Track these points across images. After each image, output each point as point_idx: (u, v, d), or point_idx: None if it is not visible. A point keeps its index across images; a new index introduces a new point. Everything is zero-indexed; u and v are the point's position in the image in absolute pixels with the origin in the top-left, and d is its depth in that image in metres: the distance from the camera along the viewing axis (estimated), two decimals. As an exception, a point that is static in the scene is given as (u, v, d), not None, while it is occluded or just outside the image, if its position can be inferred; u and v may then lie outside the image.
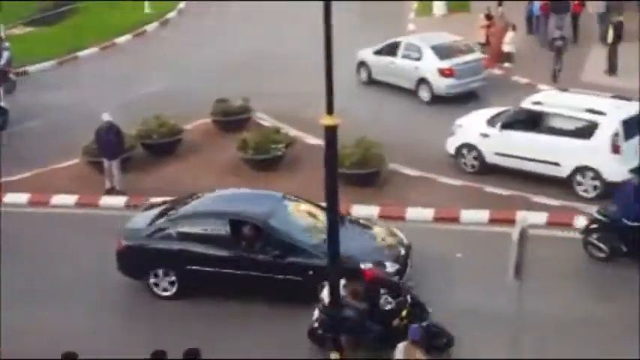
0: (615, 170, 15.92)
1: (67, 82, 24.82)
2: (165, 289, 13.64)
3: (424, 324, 10.94)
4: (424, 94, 22.03)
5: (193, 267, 13.33)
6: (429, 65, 21.86)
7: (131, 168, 18.26)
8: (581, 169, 16.28)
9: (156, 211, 14.45)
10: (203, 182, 17.58)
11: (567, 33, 24.64)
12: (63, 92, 23.72)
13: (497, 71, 23.82)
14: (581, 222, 14.79)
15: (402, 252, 13.33)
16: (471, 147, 17.57)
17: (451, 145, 17.94)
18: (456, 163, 17.89)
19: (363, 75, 23.69)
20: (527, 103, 17.36)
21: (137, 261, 13.72)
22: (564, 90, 18.48)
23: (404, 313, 11.21)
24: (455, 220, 15.60)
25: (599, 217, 13.83)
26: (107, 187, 17.43)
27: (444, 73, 21.66)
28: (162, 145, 19.07)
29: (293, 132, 19.49)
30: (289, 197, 14.36)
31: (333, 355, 10.61)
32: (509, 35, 24.39)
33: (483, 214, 15.67)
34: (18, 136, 20.79)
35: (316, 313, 11.52)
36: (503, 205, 15.85)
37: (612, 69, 22.86)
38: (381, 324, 11.23)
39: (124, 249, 13.77)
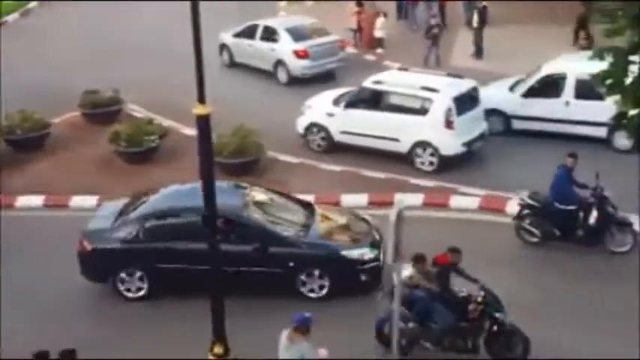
0: (450, 144, 16.91)
1: None
2: (131, 290, 13.01)
3: (497, 316, 10.70)
4: (282, 76, 22.40)
5: (165, 265, 12.78)
6: (285, 47, 22.25)
7: (-3, 166, 17.45)
8: (419, 144, 17.05)
9: (113, 210, 13.70)
10: (76, 178, 17.10)
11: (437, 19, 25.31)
12: None
13: (369, 57, 24.13)
14: (457, 202, 15.26)
15: (377, 236, 13.30)
16: (318, 126, 18.10)
17: (300, 125, 18.33)
18: (306, 142, 18.26)
19: (225, 57, 23.84)
20: (368, 83, 17.92)
21: (103, 264, 13.02)
22: (404, 69, 19.32)
23: (479, 299, 10.78)
24: (336, 204, 15.65)
25: (531, 202, 13.96)
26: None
27: (298, 54, 22.08)
28: (29, 141, 18.25)
29: (167, 122, 19.11)
30: (243, 186, 13.99)
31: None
32: (380, 21, 24.74)
33: (362, 198, 15.86)
34: None
35: (381, 313, 11.12)
36: (381, 188, 16.09)
37: (478, 52, 23.65)
38: (453, 310, 10.89)
39: (88, 252, 13.06)
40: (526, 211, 14.01)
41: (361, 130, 17.54)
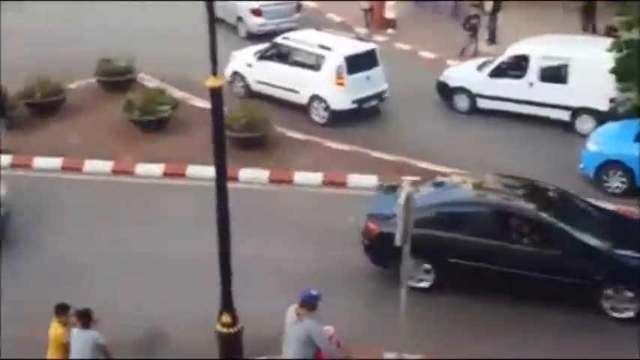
0: (340, 100, 18.43)
1: None
2: (413, 279, 12.23)
3: None
4: (241, 31, 24.75)
5: (456, 259, 12.21)
6: (244, 5, 24.48)
7: (14, 128, 17.92)
8: (314, 98, 18.62)
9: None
10: (89, 142, 17.59)
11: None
12: None
13: (380, 37, 24.48)
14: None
15: None
16: (240, 75, 20.02)
17: (227, 73, 19.63)
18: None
19: None
20: (279, 38, 19.98)
21: (389, 249, 11.34)
22: (319, 29, 20.65)
23: None
24: (343, 184, 16.02)
25: None
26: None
27: (254, 12, 24.41)
28: (46, 105, 18.77)
29: (178, 94, 19.56)
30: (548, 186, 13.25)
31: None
32: (391, 2, 25.06)
33: (371, 179, 15.97)
34: None
35: None
36: (389, 170, 16.33)
37: (492, 38, 23.86)
38: None
39: (376, 235, 12.62)
40: None
41: (271, 81, 19.37)
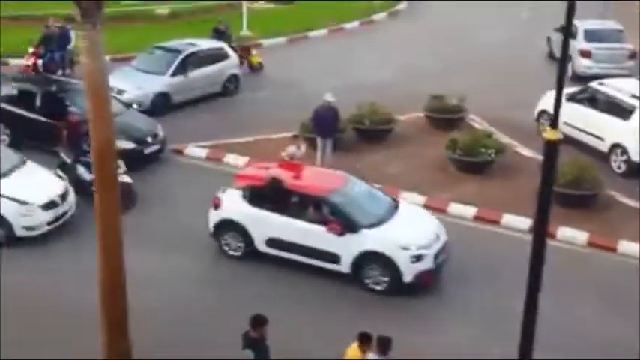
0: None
1: (295, 60, 25.84)
2: None
3: None
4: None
5: None
6: (573, 44, 23.23)
7: (340, 149, 18.74)
8: (616, 146, 18.06)
9: None
10: (406, 174, 17.82)
11: None
12: (291, 68, 24.72)
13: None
14: None
15: None
16: (547, 114, 18.93)
17: (536, 110, 19.75)
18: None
19: (549, 49, 25.50)
20: (594, 83, 19.54)
21: None
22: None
23: None
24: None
25: None
26: (317, 164, 17.99)
27: (583, 53, 23.85)
28: (373, 132, 19.42)
29: (505, 139, 19.14)
30: None
31: None
32: None
33: None
34: (247, 103, 22.13)
35: None
36: None
37: None
38: None
39: None
40: None
41: (577, 124, 18.81)
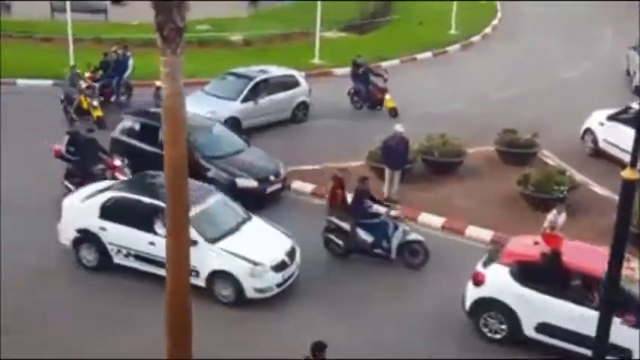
0: None
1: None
2: None
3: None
4: (632, 84, 24.81)
5: None
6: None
7: (408, 180, 18.59)
8: None
9: None
10: (475, 208, 17.60)
11: None
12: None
13: None
14: None
15: None
16: (590, 131, 20.74)
17: (582, 128, 20.83)
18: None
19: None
20: (635, 103, 19.91)
21: None
22: None
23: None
24: None
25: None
26: (384, 196, 17.89)
27: None
28: (443, 164, 19.24)
29: (578, 176, 18.74)
30: None
31: None
32: None
33: None
34: (315, 131, 22.27)
35: None
36: None
37: None
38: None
39: None
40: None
41: (616, 143, 19.35)
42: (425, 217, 17.31)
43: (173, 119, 9.88)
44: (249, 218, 14.99)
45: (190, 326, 10.45)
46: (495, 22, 35.70)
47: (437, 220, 17.19)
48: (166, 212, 10.33)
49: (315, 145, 20.91)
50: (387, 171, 17.91)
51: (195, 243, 13.05)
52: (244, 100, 21.77)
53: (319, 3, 28.01)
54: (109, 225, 14.53)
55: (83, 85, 21.90)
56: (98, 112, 21.39)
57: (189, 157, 10.01)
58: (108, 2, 34.27)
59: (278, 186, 17.96)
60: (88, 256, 14.72)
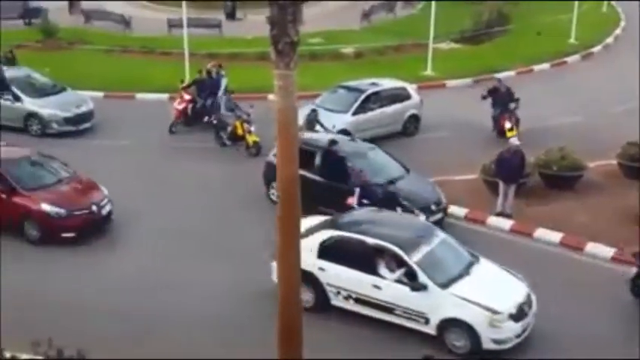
0: None
1: (478, 101, 25.36)
2: None
3: None
4: None
5: None
6: None
7: (524, 195, 18.02)
8: None
9: None
10: (595, 224, 16.87)
11: None
12: (474, 110, 24.21)
13: None
14: None
15: None
16: None
17: None
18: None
19: None
20: None
21: None
22: None
23: None
24: None
25: None
26: (497, 210, 17.39)
27: None
28: (561, 179, 18.55)
29: None
30: None
31: None
32: None
33: None
34: (427, 143, 21.98)
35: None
36: None
37: None
38: None
39: None
40: None
41: None
42: (541, 232, 16.73)
43: (286, 135, 9.76)
44: (477, 260, 13.72)
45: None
46: (618, 31, 34.48)
47: (555, 236, 16.58)
48: (275, 231, 10.10)
49: (427, 158, 20.56)
50: (501, 185, 17.42)
51: (424, 288, 12.61)
52: (355, 112, 21.71)
53: (433, 14, 27.71)
54: (329, 265, 13.65)
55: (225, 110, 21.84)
56: (254, 138, 21.11)
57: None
58: (222, 18, 35.12)
59: (439, 216, 16.66)
60: (304, 295, 12.35)
